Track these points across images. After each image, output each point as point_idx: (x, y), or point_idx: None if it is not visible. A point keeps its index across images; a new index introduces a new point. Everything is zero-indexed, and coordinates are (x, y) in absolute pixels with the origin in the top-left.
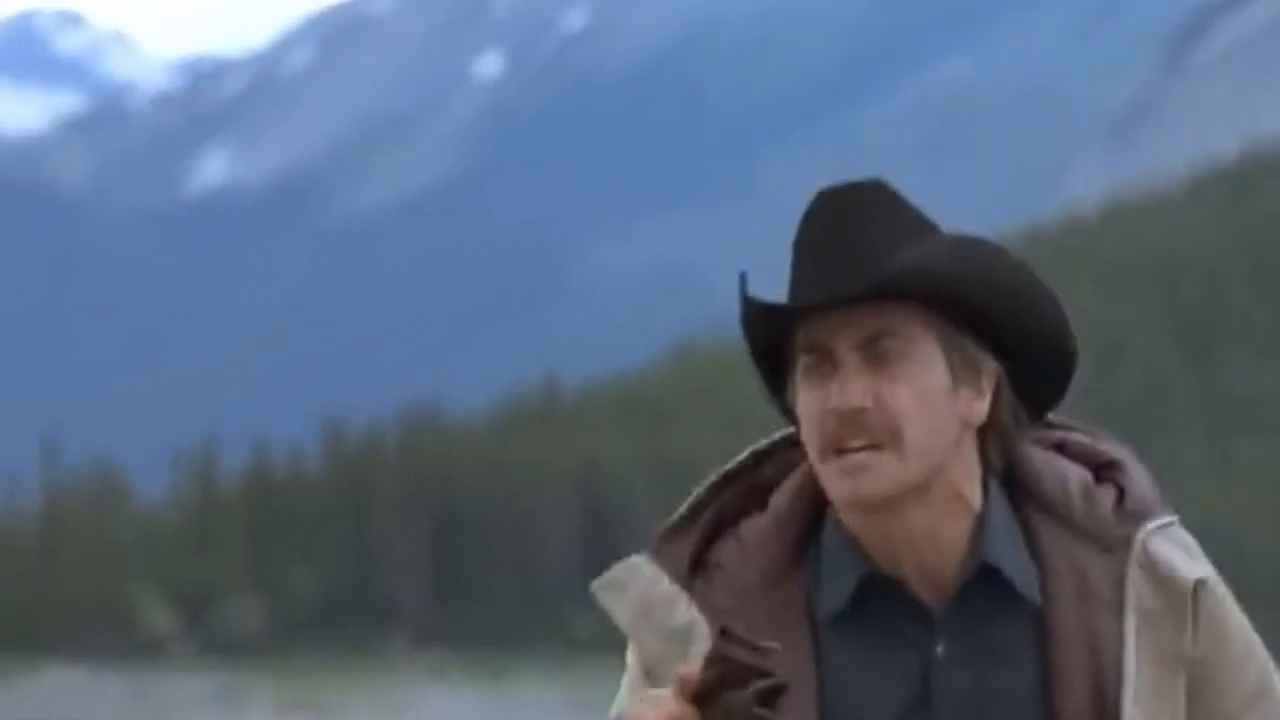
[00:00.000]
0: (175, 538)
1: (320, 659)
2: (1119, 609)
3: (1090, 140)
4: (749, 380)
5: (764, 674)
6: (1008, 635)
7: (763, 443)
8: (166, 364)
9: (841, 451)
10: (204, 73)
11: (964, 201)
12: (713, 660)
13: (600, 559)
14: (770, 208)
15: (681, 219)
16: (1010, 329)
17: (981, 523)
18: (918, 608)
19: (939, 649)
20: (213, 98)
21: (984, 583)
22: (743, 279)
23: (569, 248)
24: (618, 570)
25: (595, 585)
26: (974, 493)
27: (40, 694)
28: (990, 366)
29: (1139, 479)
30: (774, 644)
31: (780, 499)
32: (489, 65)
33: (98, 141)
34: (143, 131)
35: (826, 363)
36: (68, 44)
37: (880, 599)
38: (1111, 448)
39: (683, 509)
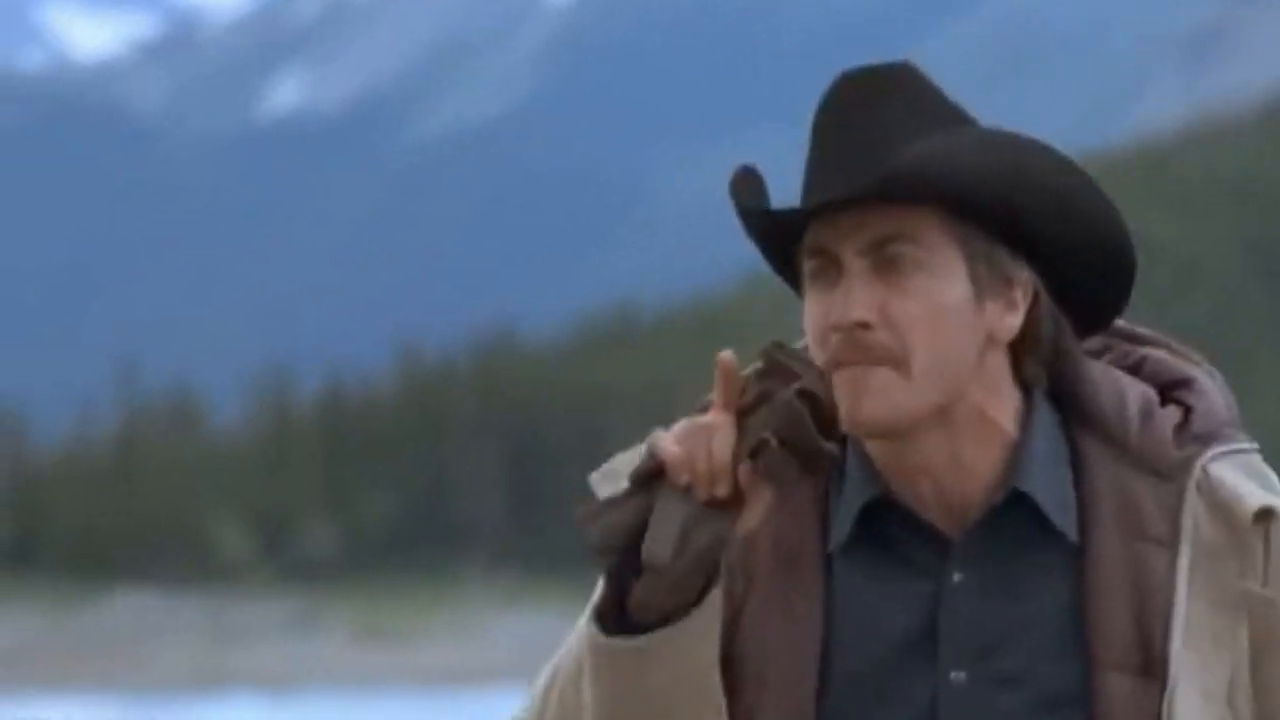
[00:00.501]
0: (250, 462)
1: (394, 583)
2: (1173, 542)
3: (1164, 66)
4: None
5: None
6: (1037, 568)
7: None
8: (241, 288)
9: (841, 365)
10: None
11: (1037, 128)
12: (759, 375)
13: None
14: None
15: (754, 142)
16: (1051, 235)
17: (1017, 448)
18: (935, 535)
19: (955, 578)
20: (286, 23)
21: (1014, 511)
22: (737, 180)
23: (642, 172)
24: (625, 458)
25: (594, 476)
26: (1005, 415)
27: (114, 618)
28: (1024, 276)
29: (1211, 397)
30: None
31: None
32: None
33: (171, 66)
34: (216, 57)
35: (832, 269)
36: None
37: (893, 525)
38: (1189, 365)
39: (709, 396)
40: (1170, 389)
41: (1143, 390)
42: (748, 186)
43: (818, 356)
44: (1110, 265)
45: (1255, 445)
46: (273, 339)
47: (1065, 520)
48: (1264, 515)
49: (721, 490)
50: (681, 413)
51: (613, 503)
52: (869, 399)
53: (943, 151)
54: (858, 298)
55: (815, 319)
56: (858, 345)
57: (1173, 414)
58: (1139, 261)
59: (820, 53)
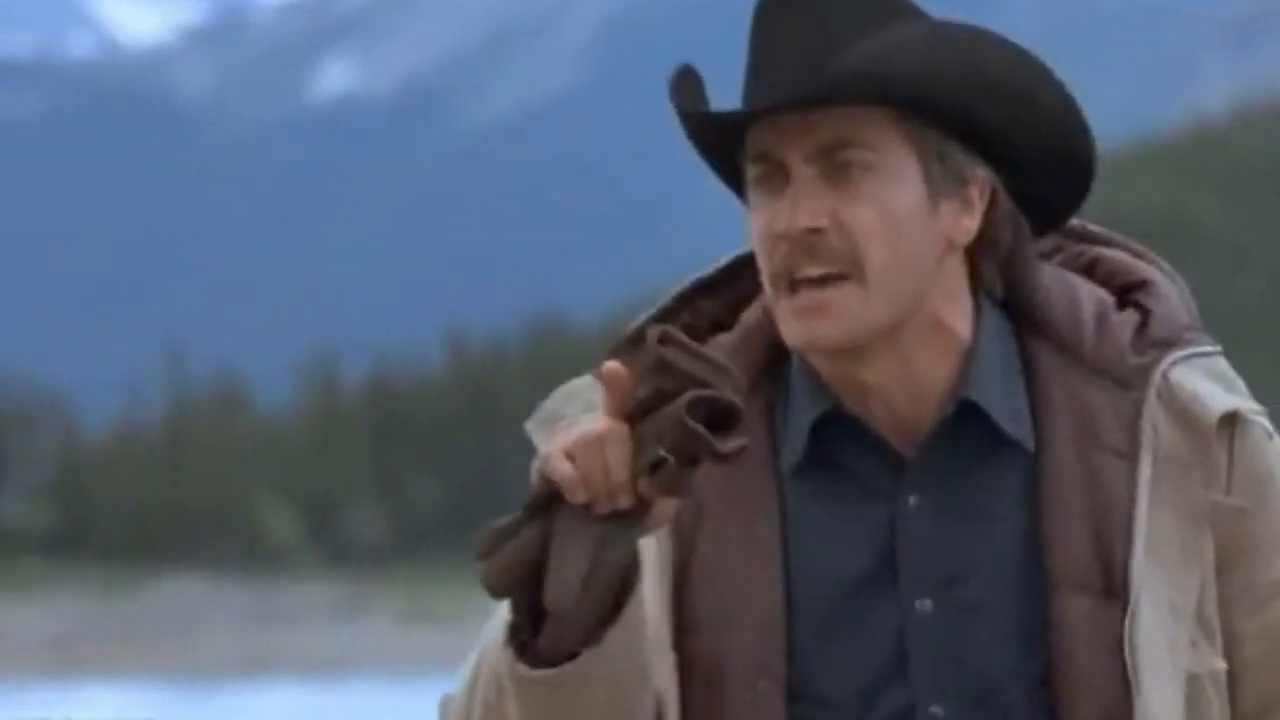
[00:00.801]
0: (298, 447)
1: (443, 567)
2: (1132, 452)
3: (1215, 49)
4: None
5: (707, 386)
6: (995, 485)
7: (749, 249)
8: (289, 273)
9: (795, 285)
10: None
11: (1089, 108)
12: (649, 371)
13: None
14: None
15: None
16: (1010, 132)
17: (968, 356)
18: (888, 454)
19: (910, 500)
20: (335, 9)
21: (967, 424)
22: (676, 81)
23: (690, 159)
24: (554, 400)
25: (529, 425)
26: (961, 322)
27: (162, 603)
28: (981, 175)
29: (1170, 300)
30: (727, 363)
31: (753, 313)
32: None
33: (220, 53)
34: (265, 43)
35: (778, 175)
36: None
37: (846, 443)
38: (1146, 265)
39: (638, 320)
40: (1127, 292)
41: (1098, 294)
42: (687, 88)
43: (764, 267)
44: (1070, 162)
45: (1218, 347)
46: (321, 324)
47: (1019, 430)
48: (1228, 420)
49: (623, 504)
50: None
51: (508, 531)
52: (824, 319)
53: (893, 49)
54: (806, 204)
55: (761, 229)
56: (808, 251)
57: (1130, 318)
58: (1186, 237)
59: None
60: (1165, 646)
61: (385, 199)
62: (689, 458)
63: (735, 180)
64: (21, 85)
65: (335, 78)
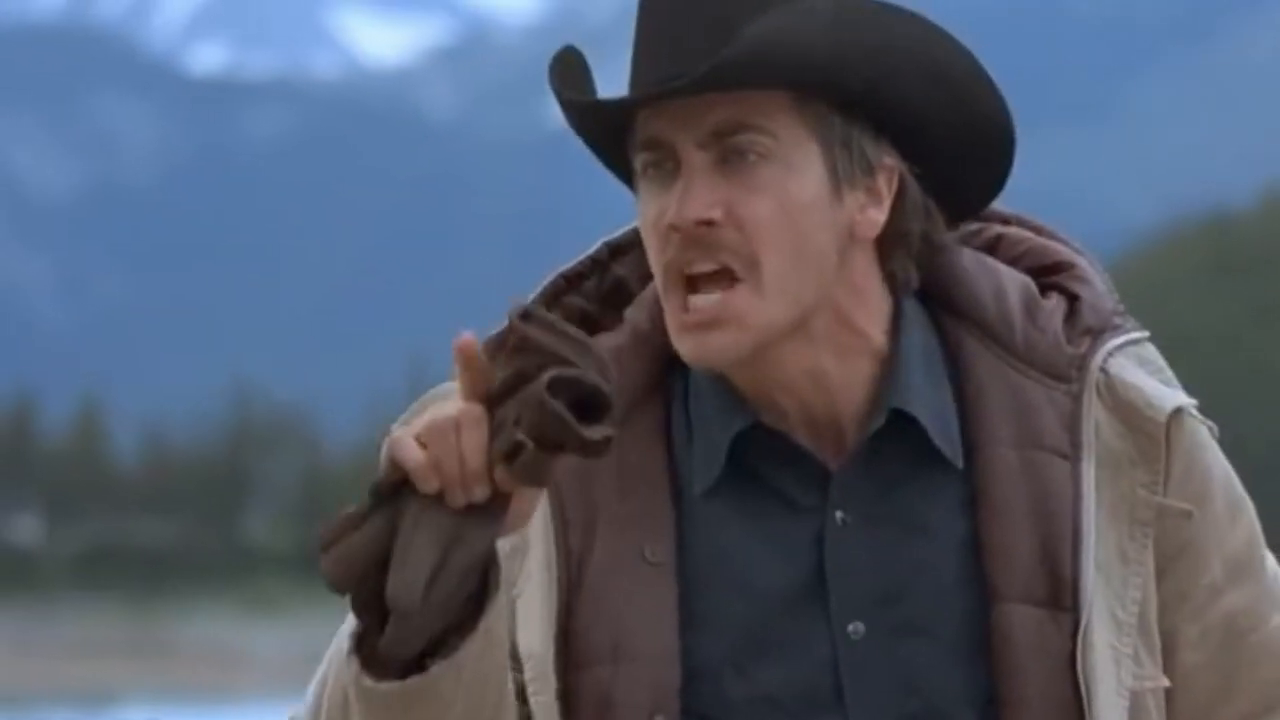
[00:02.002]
0: None
1: None
2: (1074, 452)
3: None
4: None
5: (568, 365)
6: (929, 494)
7: (617, 233)
8: (528, 288)
9: (687, 282)
10: (569, 4)
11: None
12: (510, 351)
13: None
14: (1140, 129)
15: (1046, 141)
16: (921, 116)
17: (889, 359)
18: (812, 466)
19: (838, 515)
20: (579, 27)
21: (895, 433)
22: (555, 67)
23: None
24: (423, 401)
25: (394, 427)
26: (872, 323)
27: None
28: (888, 163)
29: (1094, 283)
30: (586, 337)
31: (639, 314)
32: None
33: (463, 72)
34: (508, 61)
35: (668, 162)
36: None
37: (764, 457)
38: (1059, 245)
39: (510, 313)
40: (1046, 274)
41: (1020, 279)
42: (568, 74)
43: (654, 262)
44: (987, 145)
45: (1145, 332)
46: None
47: (948, 442)
48: (1173, 419)
49: (479, 495)
50: None
51: (352, 521)
52: (716, 333)
53: (791, 30)
54: (699, 194)
55: (650, 220)
56: (700, 244)
57: (1058, 305)
58: None
59: (1116, 48)
60: (1110, 660)
61: (629, 216)
62: (551, 443)
63: (624, 169)
64: (268, 104)
65: None
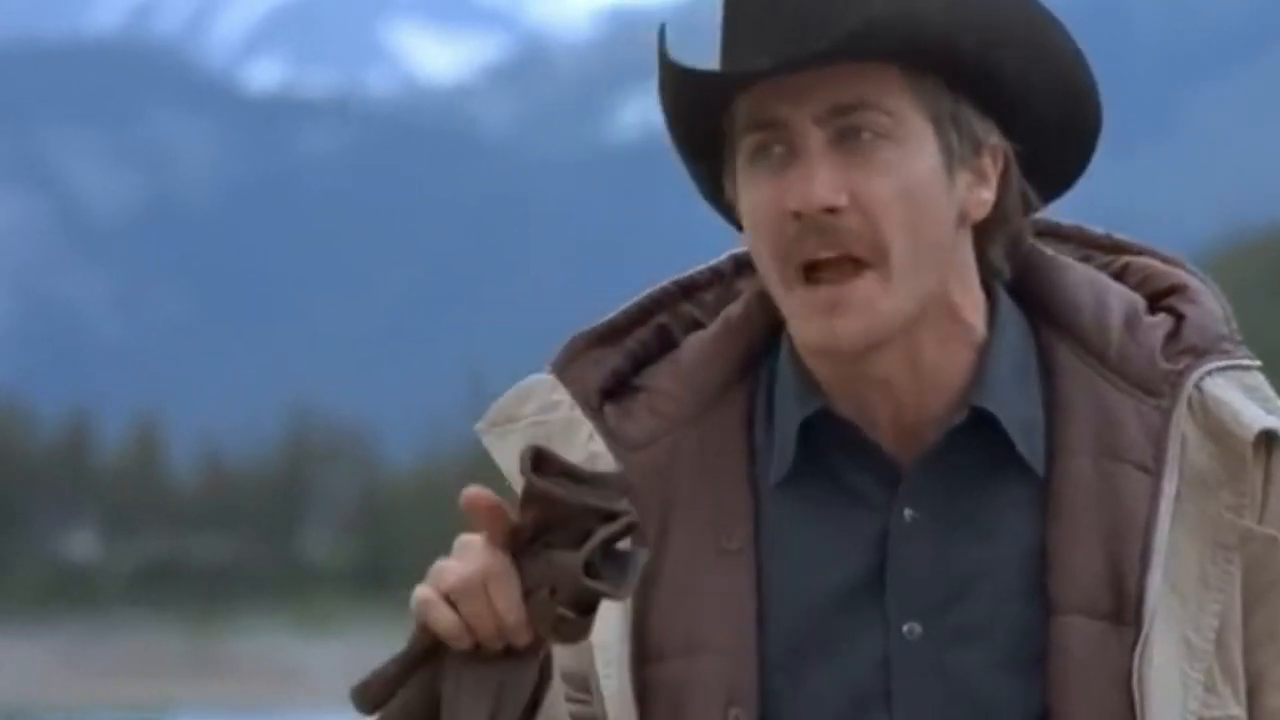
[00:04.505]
0: None
1: None
2: (1157, 468)
3: None
4: None
5: (606, 515)
6: (1001, 498)
7: (743, 249)
8: (587, 308)
9: (810, 273)
10: (627, 21)
11: None
12: (528, 499)
13: None
14: (1202, 144)
15: (1107, 156)
16: (1026, 90)
17: (984, 353)
18: (884, 461)
19: (906, 514)
20: (636, 43)
21: (975, 432)
22: (662, 32)
23: None
24: (508, 399)
25: (479, 425)
26: (974, 311)
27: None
28: (995, 142)
29: (1206, 305)
30: (612, 470)
31: (736, 306)
32: None
33: (519, 89)
34: (565, 79)
35: (780, 145)
36: None
37: (836, 449)
38: (1180, 271)
39: (610, 316)
40: (1159, 297)
41: (1129, 296)
42: (667, 49)
43: (767, 251)
44: (1079, 123)
45: (1257, 361)
46: None
47: (1031, 447)
48: (1265, 439)
49: (520, 641)
50: None
51: (394, 680)
52: (848, 314)
53: (907, 1)
54: (822, 177)
55: (765, 206)
56: (823, 232)
57: (1162, 322)
58: None
59: (1178, 64)
60: (1178, 683)
61: (685, 239)
62: (591, 607)
63: (703, 159)
64: (324, 121)
65: (635, 114)
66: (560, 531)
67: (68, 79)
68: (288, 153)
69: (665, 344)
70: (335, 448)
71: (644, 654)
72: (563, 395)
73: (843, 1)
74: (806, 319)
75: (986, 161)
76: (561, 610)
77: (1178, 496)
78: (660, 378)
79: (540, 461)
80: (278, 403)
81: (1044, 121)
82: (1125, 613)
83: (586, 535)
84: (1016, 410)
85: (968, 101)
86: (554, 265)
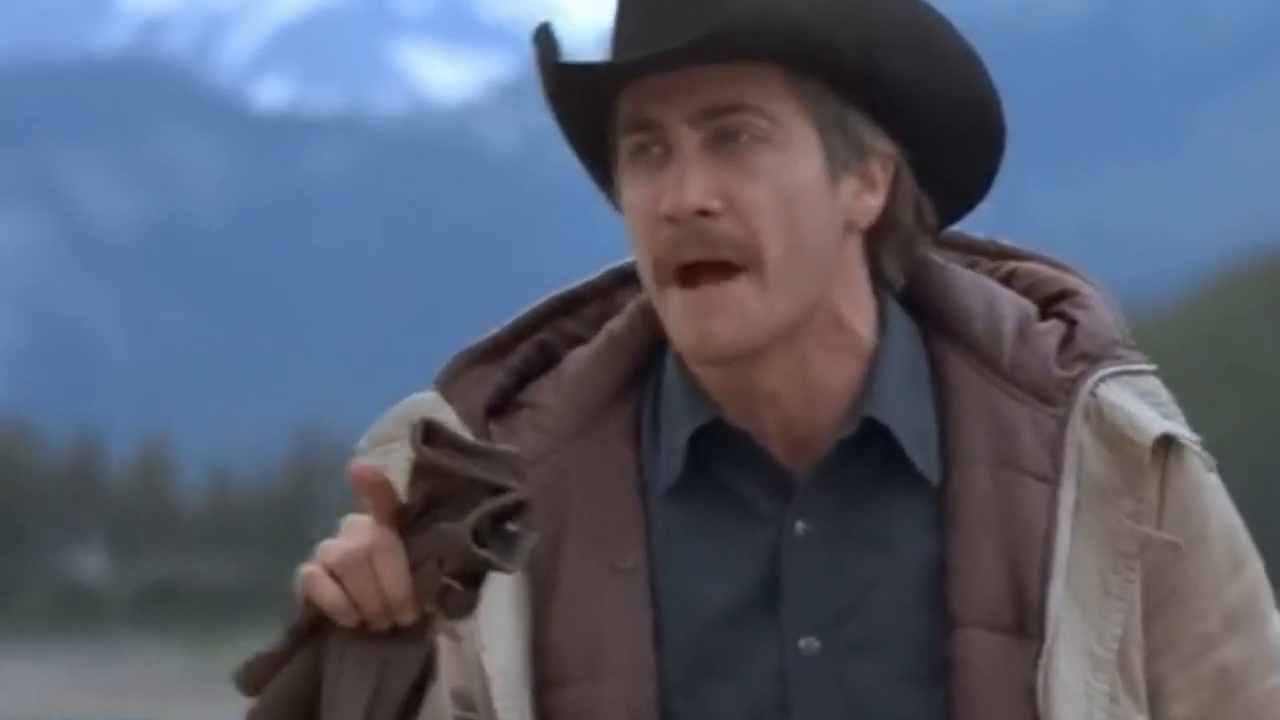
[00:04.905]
0: None
1: None
2: (1054, 476)
3: None
4: (1171, 337)
5: (495, 489)
6: (897, 509)
7: (631, 260)
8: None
9: (686, 276)
10: None
11: None
12: (417, 473)
13: None
14: (1208, 163)
15: (1113, 176)
16: (915, 94)
17: (873, 363)
18: (776, 473)
19: (798, 526)
20: None
21: (869, 444)
22: (542, 31)
23: (1006, 201)
24: (391, 418)
25: (361, 443)
26: (862, 320)
27: None
28: (883, 148)
29: (1098, 311)
30: (508, 447)
31: (619, 321)
32: None
33: (528, 108)
34: None
35: (657, 146)
36: (498, 11)
37: (727, 460)
38: (1070, 276)
39: (492, 332)
40: (1050, 303)
41: (1020, 302)
42: (550, 45)
43: (643, 255)
44: (980, 134)
45: (1152, 365)
46: None
47: (924, 457)
48: (1163, 445)
49: (405, 620)
50: None
51: (275, 660)
52: (721, 318)
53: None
54: (695, 179)
55: (640, 208)
56: (697, 235)
57: (1054, 329)
58: None
59: (1185, 80)
60: (1082, 695)
61: None
62: (478, 579)
63: (596, 160)
64: (332, 139)
65: None
66: (450, 505)
67: (75, 97)
68: (296, 171)
69: (548, 360)
70: (342, 470)
71: (546, 678)
72: (448, 413)
73: (716, 1)
74: (680, 322)
75: (875, 168)
76: (447, 580)
77: (1077, 506)
78: (543, 393)
79: (431, 435)
80: (285, 424)
81: (939, 129)
82: (1027, 625)
83: (476, 509)
84: (909, 420)
85: (855, 107)
86: (562, 284)
